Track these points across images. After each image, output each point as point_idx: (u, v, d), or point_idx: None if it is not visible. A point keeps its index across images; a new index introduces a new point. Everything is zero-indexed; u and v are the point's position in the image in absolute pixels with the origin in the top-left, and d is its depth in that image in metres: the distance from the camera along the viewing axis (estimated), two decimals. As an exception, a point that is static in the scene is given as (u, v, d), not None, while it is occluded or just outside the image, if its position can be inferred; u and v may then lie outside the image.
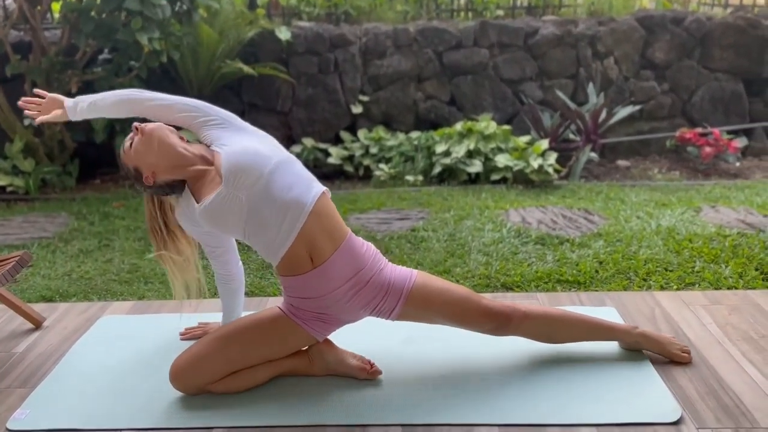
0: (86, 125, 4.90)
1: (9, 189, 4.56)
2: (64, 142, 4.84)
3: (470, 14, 5.70)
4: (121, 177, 5.04)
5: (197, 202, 1.94)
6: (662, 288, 2.84)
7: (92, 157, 5.16)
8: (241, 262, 2.21)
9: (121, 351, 2.25)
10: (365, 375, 2.02)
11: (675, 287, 2.83)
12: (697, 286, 2.85)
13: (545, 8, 5.78)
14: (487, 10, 5.63)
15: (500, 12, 5.68)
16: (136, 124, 1.95)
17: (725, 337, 2.24)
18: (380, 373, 2.04)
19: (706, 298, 2.55)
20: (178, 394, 1.96)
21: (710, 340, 2.22)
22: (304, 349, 2.06)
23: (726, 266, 3.05)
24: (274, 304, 2.60)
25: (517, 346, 2.15)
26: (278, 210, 1.87)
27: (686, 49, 5.33)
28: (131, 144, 1.96)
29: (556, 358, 2.11)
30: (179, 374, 1.92)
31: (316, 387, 1.99)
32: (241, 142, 1.93)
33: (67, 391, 2.02)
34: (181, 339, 2.31)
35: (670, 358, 2.09)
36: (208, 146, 1.99)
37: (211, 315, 2.48)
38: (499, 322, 2.01)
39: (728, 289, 2.77)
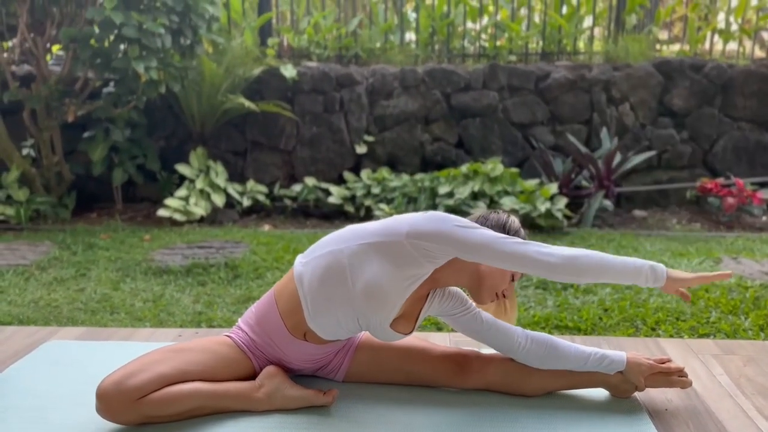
0: (85, 157, 4.83)
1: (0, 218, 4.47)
2: (62, 173, 4.75)
3: (482, 60, 5.59)
4: (118, 210, 4.93)
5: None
6: (671, 338, 2.55)
7: (91, 190, 5.08)
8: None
9: (57, 378, 2.02)
10: (321, 399, 1.77)
11: (686, 338, 2.54)
12: (711, 337, 2.56)
13: (559, 54, 5.64)
14: (499, 56, 5.51)
15: (513, 57, 5.56)
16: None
17: (738, 390, 1.94)
18: (335, 394, 1.81)
19: (718, 347, 2.25)
20: (109, 428, 1.71)
21: (720, 392, 1.92)
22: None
23: (746, 318, 2.76)
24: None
25: (489, 395, 1.88)
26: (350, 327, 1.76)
27: (707, 96, 5.11)
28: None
29: (536, 409, 1.81)
30: (105, 391, 1.63)
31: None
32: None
33: (-15, 420, 1.79)
34: None
35: (670, 387, 1.84)
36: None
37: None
38: (457, 364, 1.86)
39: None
